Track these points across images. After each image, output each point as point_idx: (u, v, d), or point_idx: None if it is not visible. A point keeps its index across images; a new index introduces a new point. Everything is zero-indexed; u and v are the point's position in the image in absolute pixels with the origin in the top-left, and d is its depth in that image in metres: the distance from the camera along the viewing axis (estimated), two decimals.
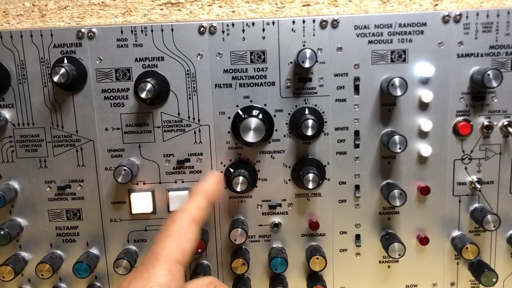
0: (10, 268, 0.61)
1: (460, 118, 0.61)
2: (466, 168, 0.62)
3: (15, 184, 0.63)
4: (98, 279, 0.66)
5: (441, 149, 0.62)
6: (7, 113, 0.61)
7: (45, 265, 0.62)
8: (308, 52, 0.56)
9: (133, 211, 0.63)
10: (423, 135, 0.62)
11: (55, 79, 0.56)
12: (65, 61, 0.59)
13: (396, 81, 0.57)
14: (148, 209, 0.63)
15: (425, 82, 0.60)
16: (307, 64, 0.56)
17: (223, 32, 0.59)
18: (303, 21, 0.59)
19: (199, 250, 0.60)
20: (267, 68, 0.60)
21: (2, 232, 0.61)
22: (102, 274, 0.65)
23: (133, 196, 0.62)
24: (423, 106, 0.61)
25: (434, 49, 0.60)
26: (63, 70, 0.56)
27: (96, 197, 0.63)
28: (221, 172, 0.62)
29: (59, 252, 0.65)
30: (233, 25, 0.59)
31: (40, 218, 0.64)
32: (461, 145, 0.62)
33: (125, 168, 0.59)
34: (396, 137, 0.58)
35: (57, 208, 0.64)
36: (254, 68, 0.60)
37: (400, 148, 0.58)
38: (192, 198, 0.49)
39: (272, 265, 0.61)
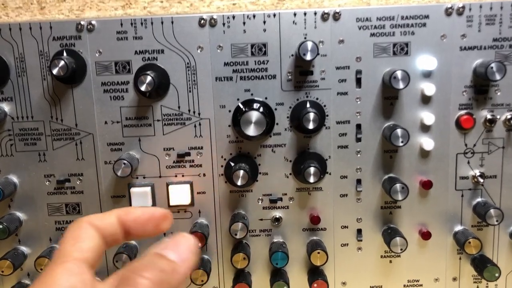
0: (9, 262, 0.61)
1: (462, 112, 0.61)
2: (468, 162, 0.62)
3: (14, 178, 0.62)
4: (98, 274, 0.65)
5: (443, 143, 0.61)
6: (6, 107, 0.61)
7: (44, 260, 0.61)
8: (309, 45, 0.55)
9: (133, 205, 0.62)
10: (425, 128, 0.61)
11: (55, 72, 0.56)
12: (65, 53, 0.59)
13: (399, 74, 0.56)
14: (148, 203, 0.62)
15: (427, 75, 0.60)
16: (308, 57, 0.56)
17: (223, 24, 0.59)
18: (305, 14, 0.58)
19: (199, 245, 0.60)
20: (268, 61, 0.59)
21: (1, 226, 0.60)
22: (102, 268, 0.65)
23: (133, 190, 0.62)
24: (426, 100, 0.60)
25: (436, 41, 0.59)
26: (62, 62, 0.56)
27: (96, 191, 0.63)
28: (221, 166, 0.62)
29: (58, 246, 0.64)
30: (233, 17, 0.58)
31: (39, 212, 0.63)
32: (463, 139, 0.61)
33: (125, 161, 0.58)
34: (398, 131, 0.57)
35: (56, 202, 0.63)
36: (255, 61, 0.59)
37: (402, 142, 0.58)
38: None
39: (273, 260, 0.61)
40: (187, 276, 0.36)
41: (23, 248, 0.64)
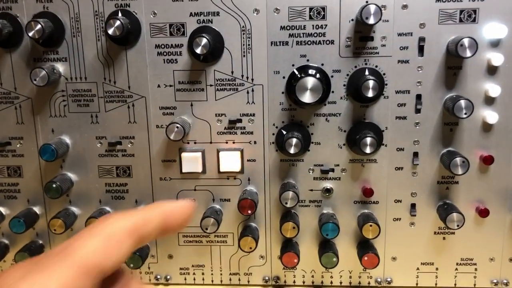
0: (61, 221, 0.62)
1: None
2: None
3: (67, 139, 0.63)
4: None
5: (508, 116, 0.58)
6: (60, 67, 0.61)
7: (94, 220, 0.62)
8: (372, 8, 0.53)
9: (183, 170, 0.62)
10: (489, 101, 0.58)
11: (110, 31, 0.55)
12: (119, 14, 0.58)
13: (466, 41, 0.53)
14: (198, 168, 0.62)
15: (495, 44, 0.56)
16: (371, 21, 0.53)
17: None
18: None
19: (249, 212, 0.59)
20: (326, 25, 0.57)
21: (54, 186, 0.61)
22: None
23: (184, 155, 0.62)
24: (492, 70, 0.57)
25: (508, 8, 0.55)
26: (118, 22, 0.55)
27: (147, 155, 0.62)
28: (273, 134, 0.61)
29: (108, 208, 0.65)
30: None
31: (90, 173, 0.64)
32: None
33: (178, 125, 0.58)
34: (462, 102, 0.55)
35: (107, 164, 0.63)
36: (313, 25, 0.57)
37: (466, 114, 0.55)
38: (145, 210, 0.36)
39: (323, 230, 0.59)
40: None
41: (74, 209, 0.65)
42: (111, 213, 0.37)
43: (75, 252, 0.29)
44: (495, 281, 0.64)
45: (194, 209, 0.38)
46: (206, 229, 0.60)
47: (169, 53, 0.59)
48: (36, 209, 0.66)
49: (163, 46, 0.59)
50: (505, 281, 0.63)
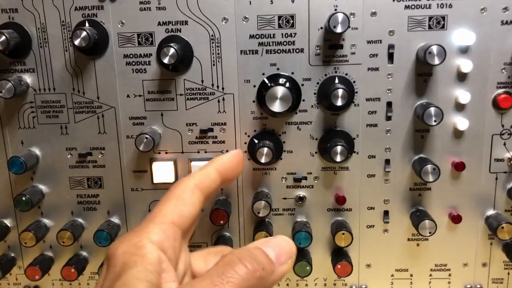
0: (32, 234, 0.61)
1: (501, 91, 0.57)
2: (505, 144, 0.59)
3: (37, 151, 0.62)
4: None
5: (478, 123, 0.58)
6: (28, 78, 0.60)
7: (66, 233, 0.61)
8: (340, 17, 0.53)
9: (155, 181, 0.61)
10: (460, 107, 0.58)
11: (76, 42, 0.55)
12: (87, 24, 0.57)
13: (434, 49, 0.53)
14: (170, 178, 0.61)
15: (464, 51, 0.56)
16: (339, 29, 0.53)
17: None
18: None
19: (222, 222, 0.59)
20: (295, 33, 0.57)
21: (24, 199, 0.60)
22: None
23: (155, 165, 0.61)
24: (462, 77, 0.57)
25: (475, 15, 0.55)
26: (84, 33, 0.54)
27: (118, 165, 0.62)
28: (245, 143, 0.60)
29: (80, 220, 0.64)
30: None
31: (61, 185, 0.63)
32: (500, 119, 0.58)
33: (147, 136, 0.57)
34: (432, 109, 0.55)
35: (78, 175, 0.63)
36: (282, 34, 0.57)
37: (435, 121, 0.55)
38: (203, 167, 0.46)
39: (296, 239, 0.59)
40: (279, 280, 0.36)
41: (46, 221, 0.64)
42: (181, 178, 0.46)
43: (155, 216, 0.38)
44: (468, 286, 0.64)
45: (242, 156, 0.48)
46: None
47: (138, 63, 0.59)
48: (7, 222, 0.65)
49: (131, 55, 0.58)
50: (478, 286, 0.64)
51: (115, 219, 0.64)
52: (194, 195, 0.41)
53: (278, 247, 0.38)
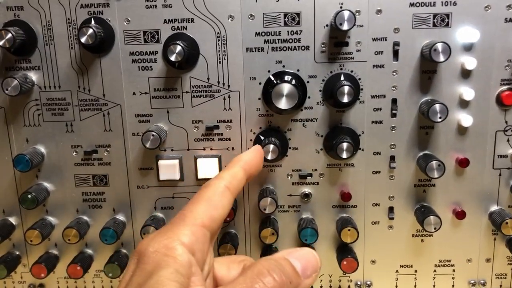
0: (37, 232, 0.61)
1: (504, 87, 0.58)
2: (508, 140, 0.59)
3: (42, 148, 0.62)
4: (125, 246, 0.65)
5: (482, 119, 0.59)
6: (33, 75, 0.60)
7: (72, 230, 0.61)
8: (346, 14, 0.53)
9: (161, 178, 0.61)
10: (464, 104, 0.58)
11: (83, 40, 0.55)
12: (93, 22, 0.57)
13: (439, 46, 0.54)
14: (176, 176, 0.61)
15: (468, 48, 0.57)
16: (345, 27, 0.53)
17: None
18: None
19: (228, 219, 0.59)
20: (301, 31, 0.57)
21: (29, 196, 0.60)
22: (129, 241, 0.65)
23: (161, 162, 0.61)
24: (466, 74, 0.58)
25: (480, 13, 0.56)
26: (90, 31, 0.55)
27: (123, 163, 0.62)
28: (251, 140, 0.60)
29: (85, 217, 0.64)
30: None
31: (67, 183, 0.63)
32: (504, 115, 0.59)
33: (154, 133, 0.57)
34: (437, 106, 0.55)
35: (83, 173, 0.63)
36: (288, 31, 0.57)
37: (440, 118, 0.55)
38: (229, 166, 0.48)
39: (302, 236, 0.59)
40: None
41: (51, 219, 0.64)
42: (211, 179, 0.46)
43: (186, 217, 0.39)
44: (472, 281, 0.64)
45: (262, 152, 0.53)
46: None
47: (144, 60, 0.59)
48: (12, 220, 0.65)
49: (137, 53, 0.59)
50: (482, 281, 0.64)
51: (121, 217, 0.64)
52: (225, 197, 0.42)
53: (305, 260, 0.39)
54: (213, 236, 0.40)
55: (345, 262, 0.60)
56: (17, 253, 0.66)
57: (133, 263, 0.36)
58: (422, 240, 0.63)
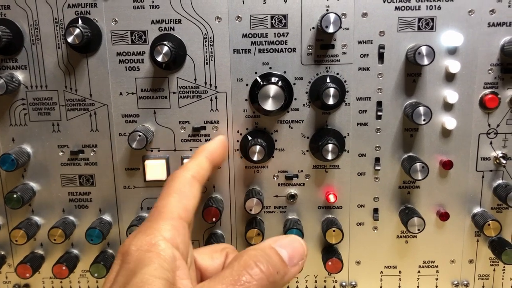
0: (23, 232, 0.61)
1: (487, 91, 0.59)
2: (491, 143, 0.60)
3: (28, 148, 0.62)
4: (111, 246, 0.65)
5: (466, 122, 0.59)
6: (20, 75, 0.60)
7: (57, 230, 0.61)
8: (332, 17, 0.53)
9: (147, 178, 0.62)
10: (448, 107, 0.59)
11: (69, 40, 0.55)
12: (80, 21, 0.57)
13: (423, 49, 0.54)
14: (162, 176, 0.61)
15: (452, 52, 0.58)
16: (331, 29, 0.54)
17: None
18: None
19: (214, 219, 0.59)
20: (288, 33, 0.57)
21: (15, 196, 0.60)
22: (115, 241, 0.65)
23: (147, 163, 0.61)
24: (450, 77, 0.58)
25: (463, 17, 0.57)
26: (77, 30, 0.55)
27: (110, 163, 0.62)
28: (237, 141, 0.61)
29: (71, 217, 0.64)
30: None
31: (53, 183, 0.63)
32: (487, 118, 0.60)
33: (140, 133, 0.57)
34: (421, 108, 0.56)
35: (70, 173, 0.63)
36: (275, 33, 0.58)
37: (424, 120, 0.56)
38: (193, 157, 0.49)
39: None
40: (289, 282, 0.37)
41: (37, 218, 0.64)
42: (175, 170, 0.46)
43: (162, 212, 0.39)
44: (456, 282, 0.65)
45: (226, 141, 0.55)
46: None
47: (131, 61, 0.59)
48: None
49: (124, 53, 0.59)
50: (465, 282, 0.65)
51: (107, 217, 0.64)
52: (194, 187, 0.42)
53: (291, 248, 0.38)
54: (189, 226, 0.41)
55: (330, 263, 0.61)
56: (2, 253, 0.65)
57: (117, 264, 0.36)
58: (406, 241, 0.64)
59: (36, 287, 0.67)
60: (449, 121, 0.59)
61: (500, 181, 0.61)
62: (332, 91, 0.55)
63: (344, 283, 0.66)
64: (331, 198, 0.61)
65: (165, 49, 0.55)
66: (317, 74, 0.58)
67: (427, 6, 0.57)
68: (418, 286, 0.66)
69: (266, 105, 0.56)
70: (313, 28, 0.57)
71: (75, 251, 0.65)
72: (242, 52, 0.58)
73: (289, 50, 0.58)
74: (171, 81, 0.59)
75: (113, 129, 0.61)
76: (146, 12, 0.57)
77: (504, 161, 0.60)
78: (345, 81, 0.58)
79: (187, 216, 0.40)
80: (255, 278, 0.34)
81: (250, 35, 0.58)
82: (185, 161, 0.61)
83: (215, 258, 0.44)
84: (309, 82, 0.59)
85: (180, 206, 0.40)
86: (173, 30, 0.58)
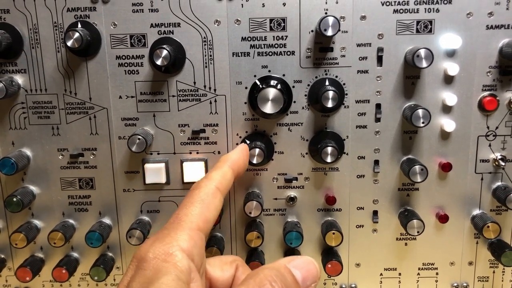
0: (23, 235, 0.61)
1: (486, 93, 0.59)
2: (490, 145, 0.60)
3: (28, 151, 0.62)
4: (111, 249, 0.65)
5: (465, 124, 0.60)
6: (19, 79, 0.60)
7: (57, 234, 0.61)
8: (330, 20, 0.54)
9: (147, 181, 0.62)
10: (447, 109, 0.59)
11: (69, 43, 0.55)
12: (79, 25, 0.57)
13: (422, 52, 0.54)
14: (162, 179, 0.61)
15: (451, 54, 0.58)
16: (329, 33, 0.54)
17: None
18: None
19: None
20: (287, 36, 0.58)
21: (14, 199, 0.60)
22: (115, 244, 0.65)
23: (147, 166, 0.61)
24: (448, 80, 0.59)
25: (462, 19, 0.57)
26: (77, 34, 0.55)
27: (109, 166, 0.62)
28: (237, 144, 0.61)
29: (71, 221, 0.64)
30: None
31: (53, 186, 0.63)
32: (486, 121, 0.60)
33: (140, 137, 0.58)
34: (420, 111, 0.56)
35: (69, 176, 0.63)
36: (274, 36, 0.58)
37: (423, 123, 0.56)
38: (217, 166, 0.49)
39: (287, 239, 0.60)
40: None
41: (36, 222, 0.64)
42: (200, 179, 0.46)
43: (182, 220, 0.39)
44: (455, 284, 0.65)
45: (248, 150, 0.54)
46: None
47: (130, 64, 0.59)
48: None
49: (124, 57, 0.59)
50: (465, 284, 0.65)
51: (107, 220, 0.64)
52: (216, 198, 0.42)
53: (306, 269, 0.38)
54: (206, 238, 0.41)
55: (329, 266, 0.61)
56: (2, 256, 0.66)
57: (131, 269, 0.36)
58: (406, 244, 0.64)
59: None
60: (448, 124, 0.59)
61: (499, 183, 0.61)
62: (331, 94, 0.55)
63: (344, 286, 0.66)
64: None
65: (165, 52, 0.55)
66: (316, 77, 0.58)
67: (425, 9, 0.57)
68: None
69: (265, 108, 0.57)
70: (312, 31, 0.57)
71: (75, 255, 0.65)
72: (241, 55, 0.58)
73: (288, 53, 0.58)
74: (171, 84, 0.59)
75: (113, 133, 0.61)
76: (146, 16, 0.57)
77: (503, 163, 0.60)
78: (344, 84, 0.59)
79: (206, 228, 0.40)
80: None
81: (249, 38, 0.58)
82: (184, 164, 0.61)
83: (225, 270, 0.44)
84: (308, 85, 0.59)
85: (200, 217, 0.40)
86: (172, 33, 0.58)
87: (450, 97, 0.58)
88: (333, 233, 0.60)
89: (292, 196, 0.62)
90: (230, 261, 0.45)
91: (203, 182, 0.44)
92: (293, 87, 0.59)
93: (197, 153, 0.62)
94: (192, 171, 0.61)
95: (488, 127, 0.60)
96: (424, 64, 0.55)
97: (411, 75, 0.58)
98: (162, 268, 0.35)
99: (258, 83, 0.58)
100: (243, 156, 0.52)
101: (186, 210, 0.40)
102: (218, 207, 0.43)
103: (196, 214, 0.40)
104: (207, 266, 0.43)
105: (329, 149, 0.57)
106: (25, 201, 0.61)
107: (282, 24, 0.57)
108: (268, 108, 0.56)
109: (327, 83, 0.58)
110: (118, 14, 0.57)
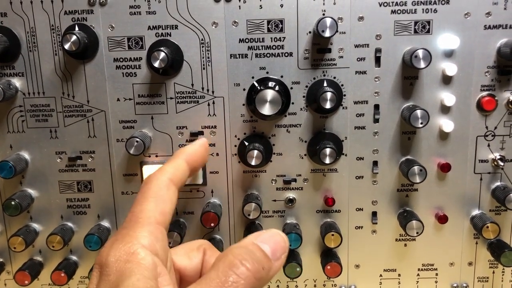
0: (21, 239, 0.61)
1: (484, 93, 0.59)
2: (489, 145, 0.60)
3: (26, 155, 0.62)
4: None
5: (463, 125, 0.60)
6: (17, 82, 0.60)
7: (56, 237, 0.61)
8: (328, 21, 0.54)
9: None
10: (445, 110, 0.59)
11: (66, 46, 0.55)
12: (76, 28, 0.57)
13: (420, 52, 0.54)
14: None
15: (449, 54, 0.58)
16: (327, 34, 0.54)
17: None
18: None
19: (212, 224, 0.59)
20: (284, 38, 0.58)
21: (13, 203, 0.60)
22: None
23: (145, 168, 0.61)
24: (447, 80, 0.58)
25: (460, 20, 0.57)
26: (74, 37, 0.55)
27: (108, 169, 0.62)
28: (235, 146, 0.61)
29: (70, 224, 0.64)
30: None
31: (51, 189, 0.63)
32: (484, 121, 0.60)
33: (138, 139, 0.57)
34: (418, 112, 0.56)
35: (68, 179, 0.63)
36: (271, 38, 0.58)
37: (421, 123, 0.56)
38: (171, 159, 0.47)
39: None
40: (273, 277, 0.36)
41: (35, 225, 0.64)
42: (151, 173, 0.44)
43: (139, 217, 0.37)
44: (455, 285, 0.65)
45: (208, 144, 0.53)
46: None
47: (128, 67, 0.59)
48: None
49: (121, 59, 0.59)
50: (464, 284, 0.65)
51: (105, 223, 0.63)
52: (171, 191, 0.41)
53: (273, 242, 0.37)
54: (166, 230, 0.40)
55: (329, 267, 0.61)
56: (1, 260, 0.65)
57: (95, 276, 0.35)
58: (405, 245, 0.64)
59: None
60: (447, 124, 0.59)
61: (498, 183, 0.61)
62: (329, 95, 0.55)
63: (343, 287, 0.66)
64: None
65: (162, 54, 0.55)
66: (314, 78, 0.58)
67: (423, 9, 0.57)
68: None
69: (263, 109, 0.56)
70: (310, 32, 0.57)
71: (74, 258, 0.65)
72: (239, 57, 0.58)
73: (286, 54, 0.58)
74: (168, 86, 0.59)
75: (111, 135, 0.61)
76: (143, 18, 0.57)
77: (502, 163, 0.60)
78: (342, 85, 0.59)
79: (164, 221, 0.39)
80: (242, 277, 0.33)
81: (246, 40, 0.58)
82: None
83: (192, 257, 0.42)
84: (306, 86, 0.59)
85: (157, 210, 0.38)
86: (170, 35, 0.58)
87: (448, 98, 0.58)
88: (332, 235, 0.60)
89: (291, 197, 0.62)
90: (197, 246, 0.44)
91: (155, 175, 0.43)
92: (291, 88, 0.59)
93: None
94: None
95: (486, 127, 0.60)
96: (422, 64, 0.54)
97: (409, 75, 0.58)
98: (126, 270, 0.33)
99: (256, 84, 0.58)
100: (201, 150, 0.50)
101: (141, 207, 0.39)
102: (173, 199, 0.41)
103: (152, 209, 0.38)
104: (173, 256, 0.42)
105: (328, 150, 0.57)
106: (24, 204, 0.61)
107: (280, 26, 0.57)
108: (266, 110, 0.56)
109: (325, 84, 0.58)
110: (115, 16, 0.57)
